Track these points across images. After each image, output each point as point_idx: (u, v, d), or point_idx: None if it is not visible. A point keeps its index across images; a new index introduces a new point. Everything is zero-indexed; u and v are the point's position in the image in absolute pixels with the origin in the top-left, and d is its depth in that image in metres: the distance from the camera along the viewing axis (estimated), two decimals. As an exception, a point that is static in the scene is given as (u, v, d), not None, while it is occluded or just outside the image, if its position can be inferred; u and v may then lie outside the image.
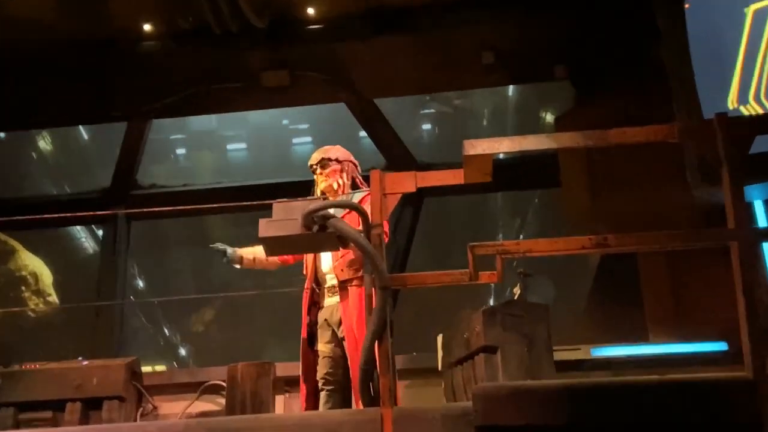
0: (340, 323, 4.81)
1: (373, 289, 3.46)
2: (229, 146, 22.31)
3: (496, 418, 3.10)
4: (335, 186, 4.98)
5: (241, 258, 4.94)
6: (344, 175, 5.02)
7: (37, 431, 3.73)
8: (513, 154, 6.58)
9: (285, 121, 21.61)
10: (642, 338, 5.98)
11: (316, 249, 4.50)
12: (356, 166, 5.09)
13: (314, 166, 5.07)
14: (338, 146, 5.16)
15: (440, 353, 5.01)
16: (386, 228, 4.15)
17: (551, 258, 3.77)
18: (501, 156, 6.71)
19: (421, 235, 7.27)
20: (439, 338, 5.05)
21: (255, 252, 4.88)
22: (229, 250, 4.92)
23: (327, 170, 5.01)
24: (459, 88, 8.18)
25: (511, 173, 7.12)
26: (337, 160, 5.04)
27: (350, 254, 4.65)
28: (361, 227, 3.77)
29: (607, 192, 6.43)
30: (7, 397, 5.01)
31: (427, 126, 20.00)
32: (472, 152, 3.36)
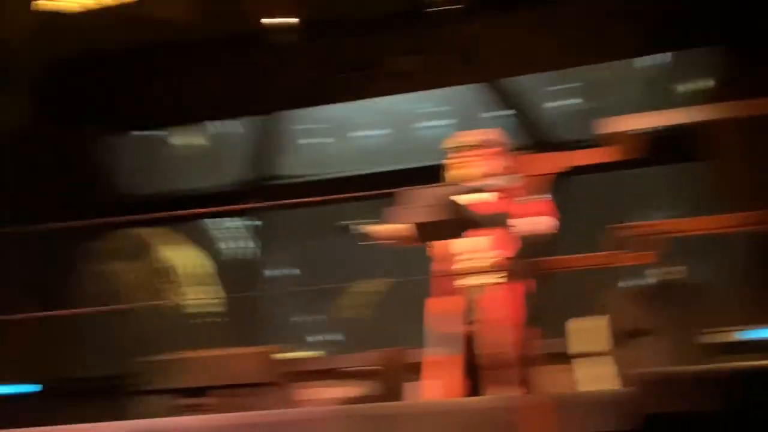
0: (480, 306, 4.73)
1: (518, 273, 3.37)
2: (364, 133, 22.63)
3: (655, 404, 2.94)
4: (479, 173, 4.87)
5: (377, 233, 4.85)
6: (489, 159, 4.90)
7: (190, 418, 3.85)
8: (663, 127, 6.23)
9: (418, 105, 21.68)
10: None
11: (453, 235, 4.41)
12: (500, 151, 4.95)
13: (457, 148, 4.94)
14: (486, 131, 5.03)
15: (575, 338, 4.86)
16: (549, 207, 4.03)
17: (702, 236, 3.56)
18: (651, 129, 6.37)
19: (568, 217, 7.04)
20: (573, 322, 4.89)
21: (391, 229, 4.82)
22: (362, 228, 4.87)
23: (473, 155, 4.90)
24: (599, 61, 7.83)
25: (662, 147, 6.77)
26: (483, 145, 4.91)
27: (497, 237, 4.53)
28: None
29: (762, 164, 6.03)
30: (165, 383, 5.24)
31: (567, 101, 19.48)
32: (618, 129, 3.19)
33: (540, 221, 4.62)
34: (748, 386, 2.94)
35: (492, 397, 4.28)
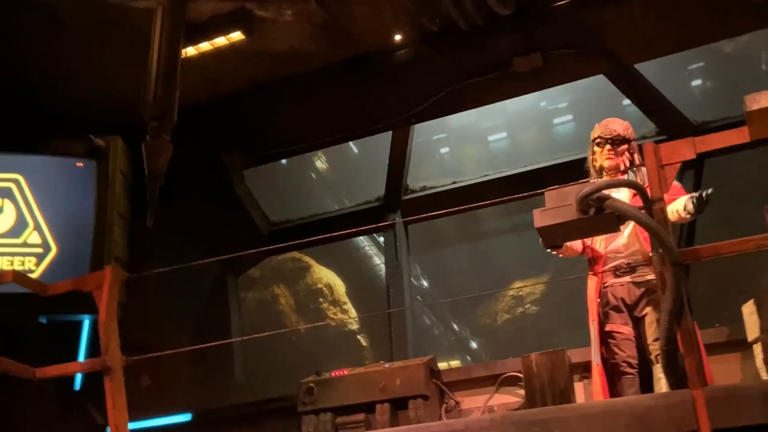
0: (637, 303, 4.64)
1: (664, 266, 3.28)
2: (491, 137, 22.49)
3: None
4: (621, 167, 4.80)
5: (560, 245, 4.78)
6: (631, 154, 4.83)
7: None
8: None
9: (543, 103, 21.33)
10: None
11: (596, 232, 4.34)
12: (635, 144, 4.88)
13: (602, 140, 4.86)
14: (626, 122, 4.95)
15: (749, 323, 4.63)
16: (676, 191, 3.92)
17: None
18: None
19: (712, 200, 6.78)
20: (746, 307, 4.66)
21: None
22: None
23: (618, 148, 4.82)
24: (727, 36, 7.46)
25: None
26: (628, 140, 4.85)
27: (643, 231, 4.43)
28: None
29: None
30: (323, 403, 5.40)
31: (697, 82, 18.60)
32: (755, 107, 3.06)
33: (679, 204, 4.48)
34: None
35: (649, 395, 4.18)
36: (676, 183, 4.75)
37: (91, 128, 7.62)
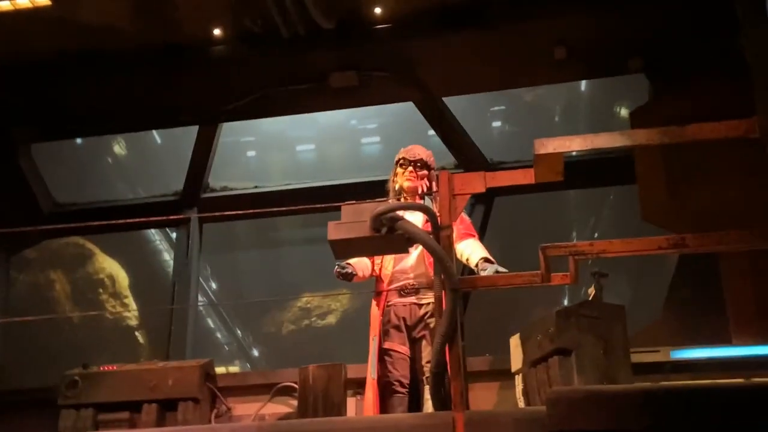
0: (416, 324, 4.80)
1: (443, 291, 3.42)
2: (299, 147, 22.59)
3: (572, 423, 3.02)
4: (419, 191, 4.96)
5: (354, 274, 4.90)
6: (430, 182, 5.02)
7: (116, 432, 3.81)
8: (586, 151, 6.43)
9: (353, 121, 21.75)
10: (724, 340, 5.76)
11: (386, 251, 4.47)
12: (434, 172, 5.08)
13: (406, 161, 5.00)
14: (430, 152, 5.15)
15: (514, 354, 4.92)
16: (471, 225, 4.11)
17: (628, 257, 3.65)
18: (574, 153, 6.57)
19: (492, 235, 7.17)
20: (513, 339, 4.96)
21: (357, 264, 4.87)
22: (349, 269, 4.88)
23: (419, 172, 4.99)
24: (530, 84, 8.01)
25: (585, 170, 6.97)
26: (429, 167, 5.04)
27: (428, 255, 4.61)
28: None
29: (686, 189, 6.22)
30: (86, 398, 5.13)
31: (497, 123, 19.83)
32: (543, 151, 3.28)
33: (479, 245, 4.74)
34: (672, 406, 3.04)
35: (414, 414, 4.34)
36: (466, 217, 4.99)
37: None
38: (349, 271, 4.84)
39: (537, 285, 3.34)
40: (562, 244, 3.33)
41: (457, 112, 7.58)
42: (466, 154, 7.43)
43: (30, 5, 6.50)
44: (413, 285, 4.88)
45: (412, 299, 4.88)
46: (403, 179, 5.00)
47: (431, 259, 4.69)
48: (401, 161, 5.05)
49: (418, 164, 5.00)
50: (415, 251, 4.79)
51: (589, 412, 3.01)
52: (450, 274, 3.35)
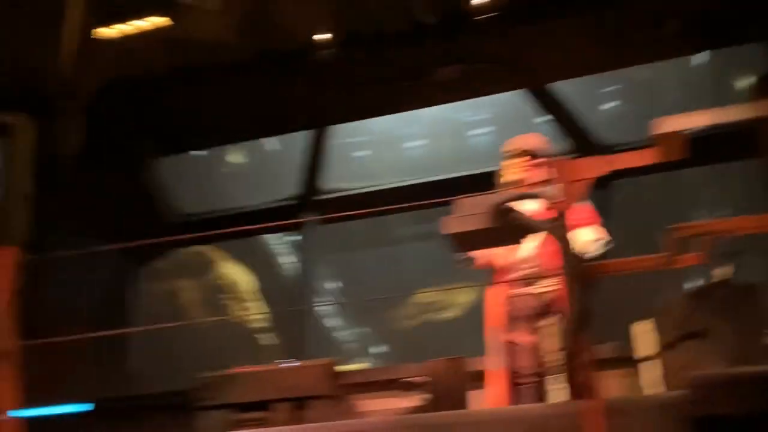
0: (537, 314, 4.75)
1: (569, 278, 3.37)
2: (408, 144, 22.64)
3: (715, 407, 2.91)
4: (531, 180, 4.89)
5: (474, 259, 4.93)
6: (542, 169, 4.92)
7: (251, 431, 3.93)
8: (706, 127, 6.18)
9: (462, 114, 21.63)
10: None
11: (505, 242, 4.41)
12: (549, 159, 4.98)
13: (514, 152, 4.96)
14: (542, 139, 5.05)
15: (639, 341, 4.80)
16: (592, 213, 4.03)
17: (761, 235, 3.51)
18: (694, 129, 6.32)
19: (612, 220, 7.01)
20: (636, 326, 4.83)
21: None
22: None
23: (528, 162, 4.92)
24: (642, 62, 7.75)
25: (706, 147, 6.71)
26: (539, 155, 4.94)
27: (550, 244, 4.55)
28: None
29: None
30: (221, 399, 5.32)
31: (611, 104, 19.27)
32: (662, 131, 3.18)
33: (591, 239, 4.64)
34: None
35: (546, 404, 4.29)
36: (583, 204, 4.89)
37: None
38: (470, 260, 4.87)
39: (666, 267, 3.24)
40: (690, 224, 3.23)
41: (568, 96, 7.44)
42: (581, 139, 7.29)
43: (150, 25, 6.81)
44: (533, 274, 4.82)
45: (533, 289, 4.82)
46: (512, 172, 4.93)
47: (550, 248, 4.62)
48: (508, 154, 4.99)
49: (527, 154, 4.92)
50: (532, 241, 4.72)
51: (733, 396, 2.90)
52: (574, 261, 3.29)
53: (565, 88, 7.58)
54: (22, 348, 3.94)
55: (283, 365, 5.51)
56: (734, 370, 3.36)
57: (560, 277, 4.38)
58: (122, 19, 6.78)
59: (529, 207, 3.89)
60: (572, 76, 7.72)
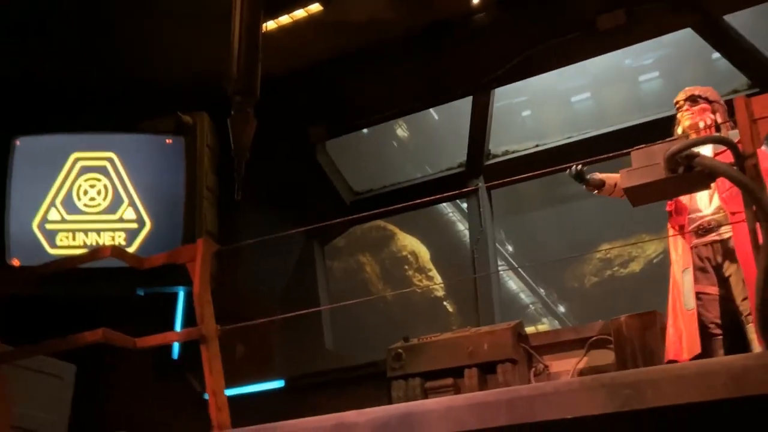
0: (722, 263, 4.54)
1: (757, 224, 3.19)
2: (573, 98, 22.05)
3: None
4: (702, 125, 4.71)
5: (603, 182, 4.91)
6: (714, 115, 4.73)
7: (444, 399, 4.01)
8: None
9: (627, 61, 20.78)
10: None
11: (686, 191, 4.25)
12: (725, 111, 4.77)
13: (681, 102, 4.84)
14: (709, 87, 4.90)
15: None
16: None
17: None
18: None
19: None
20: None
21: (616, 178, 4.76)
22: (588, 175, 4.92)
23: (696, 107, 4.76)
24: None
25: None
26: (708, 99, 4.78)
27: (733, 187, 4.34)
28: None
29: None
30: (412, 368, 5.47)
31: (790, 32, 17.90)
32: None
33: None
34: None
35: (746, 354, 4.09)
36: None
37: (178, 105, 7.83)
38: (597, 180, 4.85)
39: None
40: None
41: (741, 27, 6.94)
42: (761, 72, 6.80)
43: (305, 14, 7.04)
44: (710, 223, 4.61)
45: (713, 236, 4.61)
46: (683, 120, 4.79)
47: (727, 193, 4.41)
48: (677, 104, 4.87)
49: (694, 99, 4.78)
50: (718, 187, 4.52)
51: None
52: (763, 205, 3.11)
53: (741, 19, 7.08)
54: (222, 332, 4.23)
55: (470, 331, 5.57)
56: None
57: (744, 221, 4.17)
58: (280, 12, 7.04)
59: (704, 152, 3.72)
60: (748, 5, 7.18)
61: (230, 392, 4.17)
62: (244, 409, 4.54)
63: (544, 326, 21.91)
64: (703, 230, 4.62)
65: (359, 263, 20.04)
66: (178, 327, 7.57)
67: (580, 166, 4.89)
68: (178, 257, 4.39)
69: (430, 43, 7.57)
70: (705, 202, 4.65)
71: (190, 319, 7.19)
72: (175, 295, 7.79)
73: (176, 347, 7.75)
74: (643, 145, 3.69)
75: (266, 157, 7.16)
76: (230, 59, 5.07)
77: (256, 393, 7.42)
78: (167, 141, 7.94)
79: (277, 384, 7.53)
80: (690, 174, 3.49)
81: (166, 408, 7.41)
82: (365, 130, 16.63)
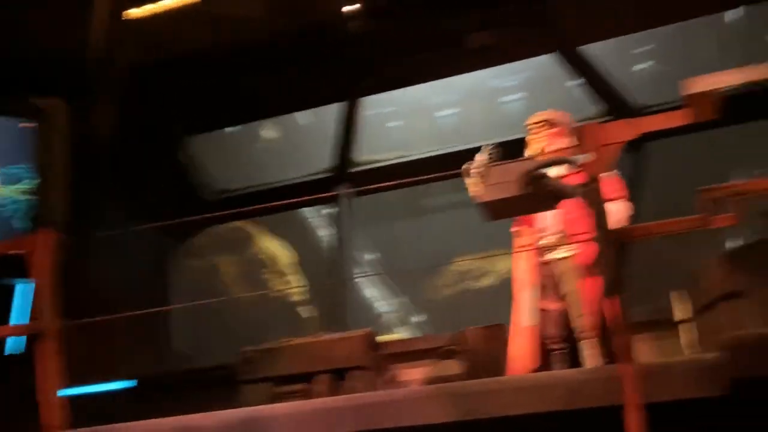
0: (563, 280, 4.75)
1: (600, 244, 3.35)
2: (440, 113, 22.56)
3: (755, 369, 2.90)
4: (552, 149, 4.92)
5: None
6: (564, 140, 4.96)
7: (291, 404, 3.99)
8: (741, 85, 6.07)
9: (493, 80, 21.47)
10: None
11: (536, 209, 4.42)
12: (575, 136, 5.00)
13: (532, 126, 5.04)
14: (561, 112, 5.12)
15: (676, 304, 4.78)
16: (620, 186, 4.00)
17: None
18: (728, 88, 6.20)
19: (645, 184, 6.94)
20: (674, 292, 4.82)
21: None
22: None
23: (547, 131, 4.97)
24: (674, 21, 7.60)
25: (741, 106, 6.59)
26: (558, 124, 5.00)
27: (577, 209, 4.56)
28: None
29: None
30: (263, 372, 5.41)
31: (644, 65, 18.99)
32: (694, 90, 3.13)
33: (617, 212, 4.61)
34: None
35: (583, 369, 4.30)
36: (616, 176, 4.85)
37: (33, 89, 7.44)
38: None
39: (697, 229, 3.21)
40: (723, 185, 3.18)
41: (599, 57, 7.32)
42: (613, 101, 7.19)
43: (178, 3, 6.84)
44: (554, 241, 4.85)
45: (555, 255, 4.85)
46: (533, 143, 5.01)
47: (574, 213, 4.65)
48: (529, 127, 5.09)
49: (543, 123, 5.01)
50: (563, 207, 4.73)
51: (762, 358, 2.88)
52: (605, 225, 3.28)
53: (597, 50, 7.47)
54: (66, 327, 4.04)
55: (323, 337, 5.57)
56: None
57: (586, 241, 4.40)
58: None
59: (554, 173, 3.88)
60: (604, 38, 7.60)
61: (76, 391, 3.99)
62: (92, 409, 4.36)
63: (398, 335, 22.21)
64: (548, 249, 4.84)
65: (216, 263, 19.66)
66: (14, 320, 7.17)
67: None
68: (17, 247, 4.15)
69: (302, 47, 7.54)
70: (549, 222, 4.87)
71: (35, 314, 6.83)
72: (12, 288, 7.38)
73: (13, 342, 7.33)
74: (500, 162, 3.81)
75: (128, 149, 6.95)
76: (90, 44, 4.84)
77: (106, 393, 7.14)
78: (20, 125, 7.53)
79: (128, 384, 7.28)
80: (541, 193, 3.62)
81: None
82: (232, 128, 16.36)
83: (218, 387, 6.31)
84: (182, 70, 7.77)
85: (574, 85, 8.06)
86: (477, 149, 7.62)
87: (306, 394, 5.22)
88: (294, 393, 5.25)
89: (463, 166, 4.65)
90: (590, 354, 4.43)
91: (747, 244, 4.12)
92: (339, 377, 5.28)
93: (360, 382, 5.23)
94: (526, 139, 5.08)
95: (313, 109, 9.17)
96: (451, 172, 5.23)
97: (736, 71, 3.25)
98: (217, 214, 6.70)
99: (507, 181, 3.66)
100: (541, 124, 5.00)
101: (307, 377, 5.30)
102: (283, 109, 8.73)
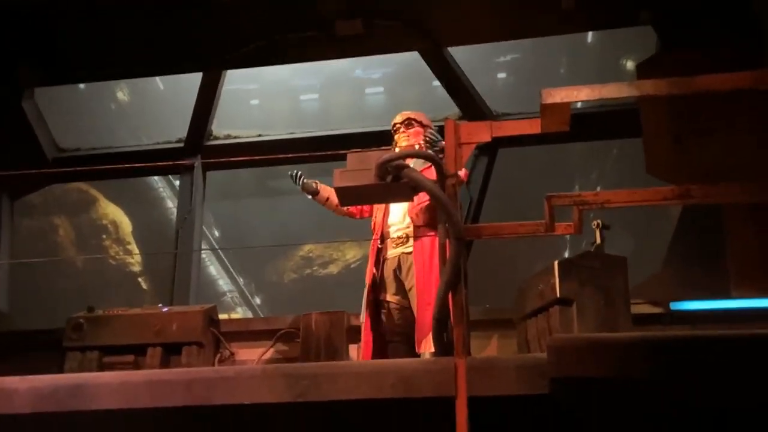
0: (407, 274, 4.87)
1: (447, 239, 3.44)
2: (303, 96, 22.46)
3: (573, 370, 3.06)
4: (416, 147, 5.05)
5: (317, 191, 5.06)
6: (425, 139, 5.11)
7: (119, 373, 3.86)
8: (592, 103, 6.39)
9: (358, 71, 21.60)
10: (724, 293, 5.80)
11: (390, 199, 4.50)
12: (436, 139, 5.17)
13: (398, 125, 5.17)
14: (422, 112, 5.28)
15: (516, 305, 4.98)
16: (464, 177, 4.12)
17: (630, 210, 3.66)
18: (579, 105, 6.53)
19: (496, 187, 7.18)
20: (516, 291, 5.01)
21: (331, 192, 4.94)
22: (307, 179, 5.06)
23: (411, 130, 5.11)
24: (537, 35, 7.87)
25: (590, 123, 6.93)
26: (421, 124, 5.15)
27: (423, 203, 4.69)
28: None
29: (691, 144, 6.19)
30: (91, 340, 5.20)
31: (502, 75, 19.71)
32: (549, 101, 3.26)
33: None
34: (671, 355, 3.07)
35: (415, 359, 4.41)
36: (464, 171, 5.02)
37: None
38: (312, 186, 5.00)
39: (541, 234, 3.36)
40: (567, 193, 3.34)
41: (462, 62, 7.51)
42: (471, 106, 7.38)
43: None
44: (403, 235, 4.97)
45: (402, 249, 4.97)
46: (399, 141, 5.13)
47: (416, 208, 4.79)
48: (394, 127, 5.21)
49: (407, 123, 5.15)
50: (401, 203, 4.87)
51: (591, 360, 3.05)
52: (455, 222, 3.36)
53: (462, 54, 7.65)
54: None
55: (159, 309, 5.42)
56: (594, 335, 3.54)
57: (430, 237, 4.54)
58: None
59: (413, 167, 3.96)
60: (470, 43, 7.78)
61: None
62: None
63: (238, 315, 21.98)
64: (396, 243, 4.95)
65: (53, 225, 18.74)
66: None
67: (300, 172, 5.04)
68: None
69: (168, 9, 7.26)
70: (398, 216, 4.99)
71: None
72: None
73: None
74: (360, 150, 3.83)
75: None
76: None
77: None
78: None
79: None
80: (397, 184, 3.67)
81: None
82: (82, 85, 15.61)
83: (45, 351, 6.02)
84: (34, 15, 7.31)
85: (434, 85, 8.22)
86: (337, 136, 7.70)
87: (137, 366, 5.07)
88: (123, 364, 5.08)
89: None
90: (427, 346, 4.56)
91: (581, 254, 4.33)
92: (174, 352, 5.16)
93: (195, 358, 5.13)
94: (395, 138, 5.19)
95: (173, 76, 8.84)
96: (308, 154, 5.23)
97: (590, 87, 3.41)
98: (56, 170, 6.38)
99: (365, 168, 3.68)
100: (406, 123, 5.14)
101: (139, 349, 5.14)
102: (141, 71, 8.37)
